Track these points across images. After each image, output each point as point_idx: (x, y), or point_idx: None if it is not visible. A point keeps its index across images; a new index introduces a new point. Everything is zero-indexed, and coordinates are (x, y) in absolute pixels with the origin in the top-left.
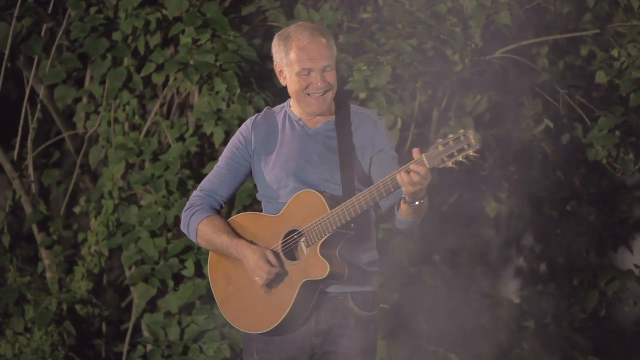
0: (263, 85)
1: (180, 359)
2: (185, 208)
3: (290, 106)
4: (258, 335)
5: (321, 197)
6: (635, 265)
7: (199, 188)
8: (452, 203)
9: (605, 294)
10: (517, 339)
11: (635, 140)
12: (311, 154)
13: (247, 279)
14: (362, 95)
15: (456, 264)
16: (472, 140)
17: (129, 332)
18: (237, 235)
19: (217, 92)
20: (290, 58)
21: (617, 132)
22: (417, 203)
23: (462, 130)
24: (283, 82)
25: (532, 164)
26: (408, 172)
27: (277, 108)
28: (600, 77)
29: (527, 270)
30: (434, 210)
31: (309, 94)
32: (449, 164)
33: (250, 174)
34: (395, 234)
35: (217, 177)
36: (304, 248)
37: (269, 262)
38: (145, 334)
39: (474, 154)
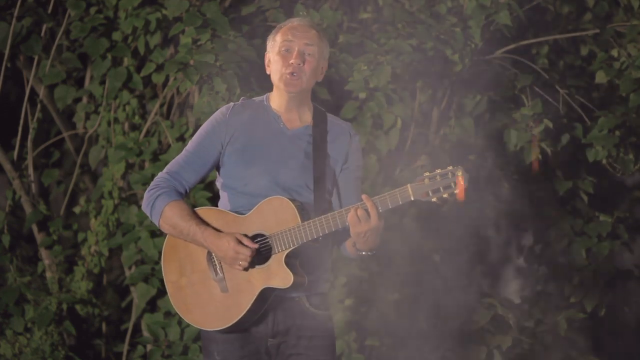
0: (263, 85)
1: (180, 359)
2: (149, 188)
3: (269, 100)
4: (217, 336)
5: (294, 206)
6: (635, 265)
7: (165, 170)
8: (452, 203)
9: (605, 294)
10: (517, 339)
11: (635, 140)
12: (289, 157)
13: (202, 274)
14: (362, 95)
15: (456, 264)
16: (461, 180)
17: (129, 332)
18: (205, 223)
19: (217, 92)
20: (277, 39)
21: (617, 132)
22: (362, 253)
23: (451, 167)
24: (267, 71)
25: (532, 164)
26: (357, 209)
27: (255, 99)
28: (600, 77)
29: (527, 270)
30: (434, 210)
31: (287, 74)
32: (433, 199)
33: (218, 162)
34: (395, 234)
35: (185, 161)
36: (268, 254)
37: (245, 245)
38: (145, 334)
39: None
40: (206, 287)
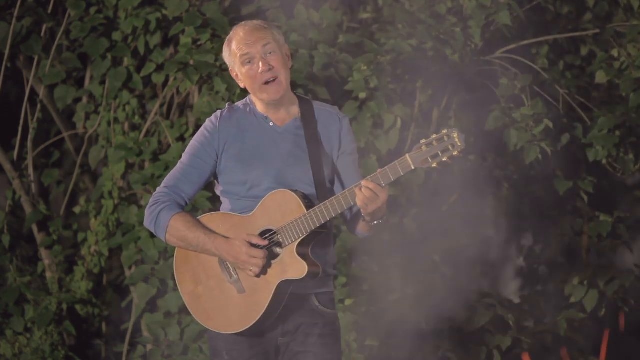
0: None
1: (180, 359)
2: (150, 204)
3: (253, 103)
4: (226, 336)
5: (297, 197)
6: (636, 265)
7: (163, 184)
8: (452, 203)
9: (605, 294)
10: (517, 339)
11: (635, 140)
12: (285, 154)
13: (217, 279)
14: (362, 95)
15: (456, 264)
16: (457, 141)
17: (129, 332)
18: (213, 231)
19: (217, 92)
20: (233, 52)
21: (617, 132)
22: (374, 223)
23: (445, 131)
24: (241, 85)
25: (532, 163)
26: (360, 188)
27: (239, 104)
28: (600, 77)
29: (527, 270)
30: (434, 210)
31: (262, 84)
32: (434, 164)
33: (215, 172)
34: (395, 234)
35: (182, 174)
36: (279, 248)
37: (257, 245)
38: (145, 334)
39: (459, 154)
40: (223, 292)
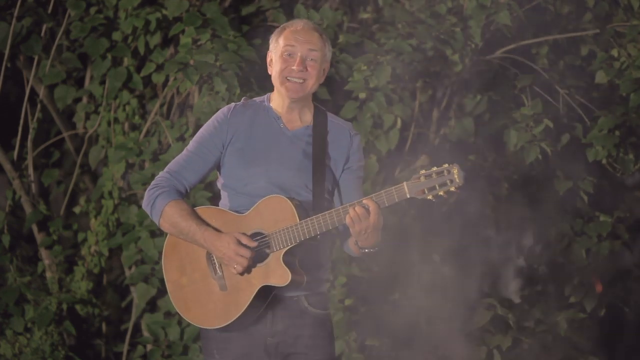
0: (263, 85)
1: (180, 359)
2: (150, 187)
3: (270, 101)
4: (216, 335)
5: (292, 205)
6: (635, 265)
7: (166, 169)
8: (452, 203)
9: (605, 294)
10: (517, 339)
11: (635, 140)
12: (288, 158)
13: (201, 273)
14: (362, 95)
15: (456, 264)
16: (456, 178)
17: (129, 332)
18: (205, 223)
19: (217, 92)
20: (280, 42)
21: (617, 132)
22: (365, 250)
23: (446, 165)
24: (270, 71)
25: (532, 163)
26: (354, 207)
27: (256, 99)
28: (600, 77)
29: (527, 270)
30: (434, 210)
31: (287, 78)
32: (429, 196)
33: (219, 162)
34: (395, 234)
35: (186, 161)
36: (267, 252)
37: (245, 245)
38: (145, 334)
39: (456, 190)
40: (206, 286)
